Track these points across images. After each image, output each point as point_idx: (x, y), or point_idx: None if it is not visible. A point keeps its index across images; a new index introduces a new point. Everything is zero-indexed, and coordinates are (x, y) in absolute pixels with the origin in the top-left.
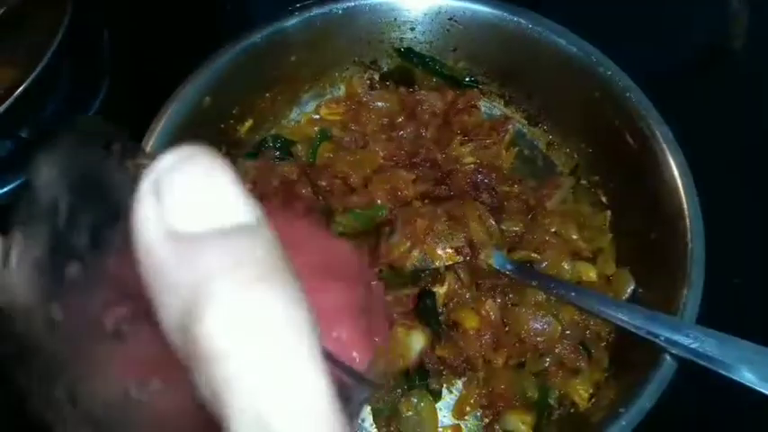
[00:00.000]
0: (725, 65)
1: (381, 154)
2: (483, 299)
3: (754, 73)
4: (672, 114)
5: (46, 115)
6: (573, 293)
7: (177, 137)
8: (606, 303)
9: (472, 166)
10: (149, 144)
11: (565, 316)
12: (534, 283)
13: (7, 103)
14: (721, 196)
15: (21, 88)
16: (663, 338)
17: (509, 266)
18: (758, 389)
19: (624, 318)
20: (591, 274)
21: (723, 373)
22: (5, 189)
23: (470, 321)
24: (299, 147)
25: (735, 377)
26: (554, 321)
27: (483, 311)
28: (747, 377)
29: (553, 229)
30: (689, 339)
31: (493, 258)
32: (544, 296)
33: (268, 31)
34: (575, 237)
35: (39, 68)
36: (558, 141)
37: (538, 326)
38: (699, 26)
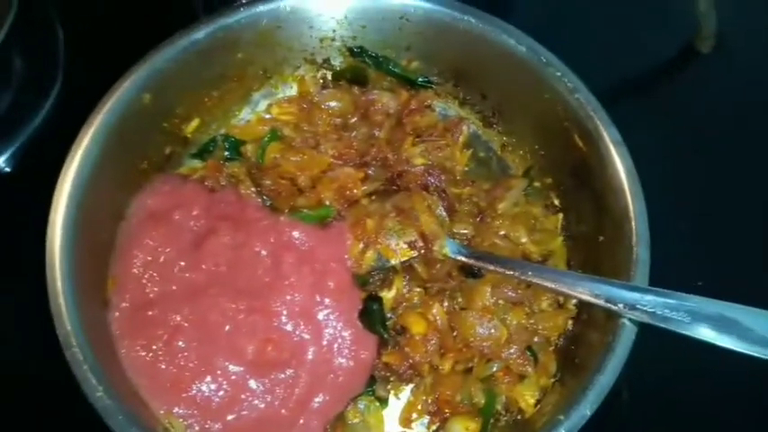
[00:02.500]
0: (694, 68)
1: (331, 153)
2: (431, 303)
3: (723, 75)
4: (639, 118)
5: None
6: (530, 272)
7: (115, 136)
8: (564, 276)
9: (422, 167)
10: (83, 143)
11: (513, 320)
12: (491, 267)
13: None
14: (692, 200)
15: None
16: (622, 305)
17: (464, 253)
18: (719, 344)
19: (583, 288)
20: None
21: (683, 332)
22: None
23: (418, 326)
24: (249, 147)
25: (694, 335)
26: (500, 326)
27: (430, 316)
28: (706, 334)
29: (502, 232)
30: (646, 302)
31: (447, 248)
32: (492, 300)
33: (212, 28)
34: (524, 240)
35: None
36: (512, 143)
37: (484, 330)
38: (668, 29)
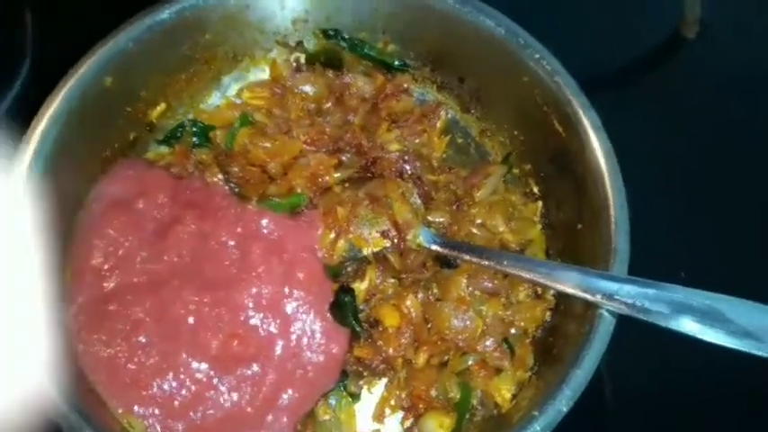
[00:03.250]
0: (679, 54)
1: (303, 139)
2: (405, 294)
3: (708, 61)
4: (623, 105)
5: None
6: (506, 261)
7: (74, 121)
8: (540, 266)
9: (397, 153)
10: (39, 128)
11: (489, 311)
12: (467, 257)
13: None
14: (676, 189)
15: None
16: (599, 295)
17: (439, 242)
18: (701, 337)
19: (560, 278)
20: None
21: (663, 325)
22: None
23: (391, 319)
24: (218, 132)
25: (674, 327)
26: (476, 318)
27: (404, 308)
28: (688, 327)
29: (479, 221)
30: (625, 292)
31: (421, 237)
32: (468, 291)
33: (177, 7)
34: (501, 228)
35: None
36: (491, 129)
37: (459, 322)
38: (653, 15)
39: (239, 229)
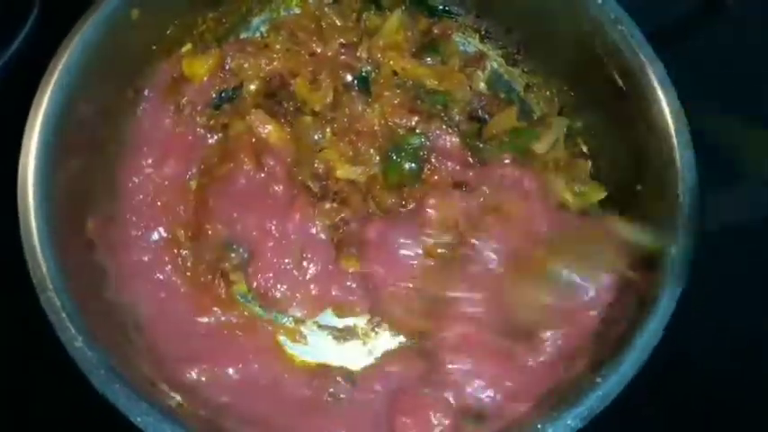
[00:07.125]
0: (718, 19)
1: None
2: None
3: (746, 27)
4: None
5: None
6: None
7: (96, 56)
8: None
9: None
10: (60, 63)
11: None
12: None
13: None
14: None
15: None
16: None
17: None
18: None
19: None
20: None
21: None
22: None
23: None
24: None
25: None
26: None
27: None
28: None
29: None
30: None
31: None
32: None
33: None
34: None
35: None
36: (537, 83)
37: None
38: None
39: None
